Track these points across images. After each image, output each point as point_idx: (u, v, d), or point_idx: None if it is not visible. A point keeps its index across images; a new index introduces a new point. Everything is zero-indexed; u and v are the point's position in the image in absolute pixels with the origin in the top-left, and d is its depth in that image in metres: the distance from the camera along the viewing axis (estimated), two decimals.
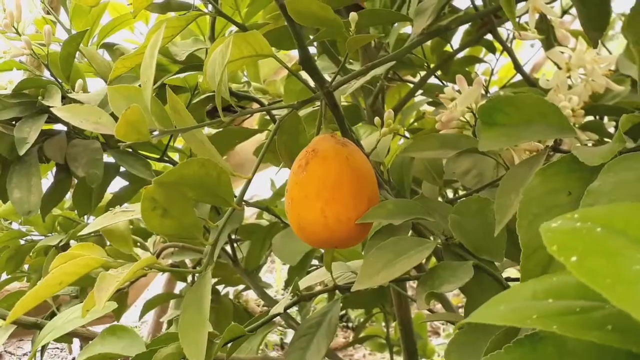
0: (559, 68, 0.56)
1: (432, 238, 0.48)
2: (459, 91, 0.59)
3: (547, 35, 0.66)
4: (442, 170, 0.55)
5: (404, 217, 0.45)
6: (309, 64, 0.46)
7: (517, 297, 0.24)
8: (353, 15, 0.45)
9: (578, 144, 0.51)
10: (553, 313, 0.22)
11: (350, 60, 0.85)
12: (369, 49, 0.81)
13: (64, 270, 0.43)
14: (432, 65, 0.86)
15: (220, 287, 1.22)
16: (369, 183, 0.47)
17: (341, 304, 0.57)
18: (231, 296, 1.30)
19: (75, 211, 0.94)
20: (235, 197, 0.48)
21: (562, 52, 0.57)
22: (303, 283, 0.58)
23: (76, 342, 1.58)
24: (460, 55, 0.94)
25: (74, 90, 0.80)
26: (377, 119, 0.54)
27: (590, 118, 0.71)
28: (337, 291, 0.58)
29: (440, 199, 0.62)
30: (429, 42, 0.85)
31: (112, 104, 0.44)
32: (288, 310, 0.59)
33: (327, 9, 0.43)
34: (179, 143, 1.11)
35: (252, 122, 1.25)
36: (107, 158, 0.88)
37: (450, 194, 0.82)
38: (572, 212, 0.21)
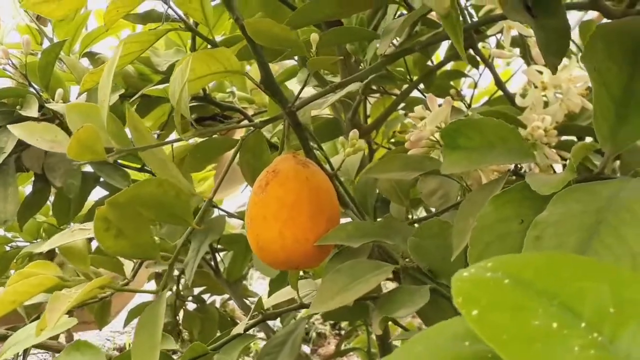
0: (535, 87, 0.56)
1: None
2: (429, 110, 0.59)
3: (524, 53, 0.65)
4: (408, 190, 0.54)
5: (362, 239, 0.45)
6: (269, 82, 0.45)
7: (439, 337, 0.23)
8: (314, 37, 0.44)
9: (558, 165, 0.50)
10: (466, 356, 0.21)
11: (330, 74, 0.85)
12: (350, 64, 0.81)
13: (17, 289, 0.42)
14: (415, 78, 0.85)
15: (206, 296, 1.21)
16: (329, 204, 0.47)
17: (322, 318, 0.57)
18: (218, 304, 1.29)
19: None
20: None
21: (540, 72, 0.56)
22: (270, 301, 0.58)
23: None
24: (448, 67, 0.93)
25: (53, 100, 0.80)
26: (341, 139, 0.53)
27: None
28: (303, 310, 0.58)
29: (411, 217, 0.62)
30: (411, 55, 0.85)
31: (69, 120, 0.43)
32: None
33: (287, 30, 0.42)
34: None
35: (242, 131, 1.25)
36: (88, 167, 0.88)
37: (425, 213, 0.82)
38: (487, 260, 0.21)
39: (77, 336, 1.53)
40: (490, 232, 0.37)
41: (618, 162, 0.48)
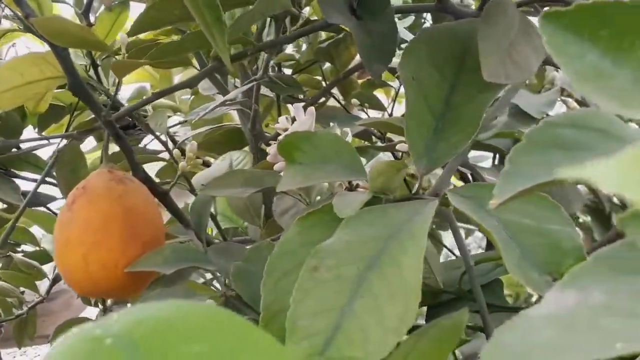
0: None
1: None
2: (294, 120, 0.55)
3: None
4: (260, 209, 0.50)
5: (180, 264, 0.40)
6: (79, 90, 0.41)
7: None
8: (122, 38, 0.40)
9: None
10: None
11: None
12: (246, 72, 0.77)
13: None
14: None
15: None
16: (148, 226, 0.42)
17: None
18: None
19: None
20: None
21: None
22: None
23: None
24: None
25: None
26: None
27: None
28: None
29: None
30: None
31: None
32: None
33: (85, 30, 0.38)
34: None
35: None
36: None
37: None
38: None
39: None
40: (292, 259, 0.33)
41: None
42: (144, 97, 1.11)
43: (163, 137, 0.58)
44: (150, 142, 0.90)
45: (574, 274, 0.16)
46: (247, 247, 0.49)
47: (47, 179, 0.59)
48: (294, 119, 0.55)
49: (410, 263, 0.27)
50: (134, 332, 0.15)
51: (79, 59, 0.88)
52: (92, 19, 0.62)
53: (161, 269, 0.40)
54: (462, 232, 0.63)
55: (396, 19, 0.58)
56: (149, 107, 1.10)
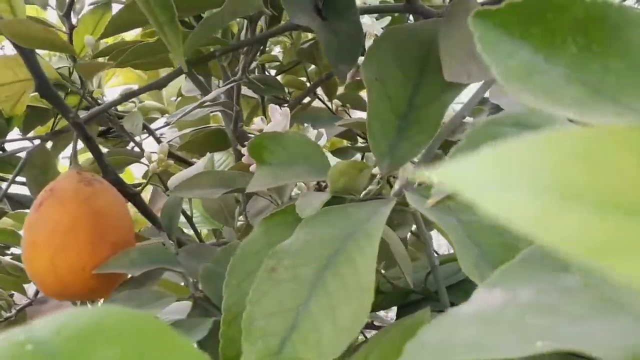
0: None
1: None
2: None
3: None
4: (234, 210, 0.50)
5: (148, 266, 0.40)
6: (45, 90, 0.40)
7: None
8: (87, 40, 0.40)
9: None
10: None
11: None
12: (226, 73, 0.77)
13: None
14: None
15: None
16: (118, 227, 0.42)
17: None
18: None
19: None
20: None
21: None
22: None
23: None
24: None
25: None
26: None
27: None
28: None
29: None
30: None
31: None
32: None
33: (49, 32, 0.38)
34: None
35: None
36: None
37: None
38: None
39: None
40: (255, 261, 0.33)
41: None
42: (130, 101, 1.10)
43: (138, 139, 0.58)
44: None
45: (502, 273, 0.16)
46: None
47: None
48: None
49: (365, 263, 0.27)
50: (54, 339, 0.15)
51: (62, 61, 0.88)
52: (74, 20, 0.62)
53: (129, 271, 0.40)
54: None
55: (374, 19, 0.58)
56: (135, 109, 1.10)
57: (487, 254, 0.28)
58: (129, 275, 0.42)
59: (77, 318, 0.16)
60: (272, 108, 0.55)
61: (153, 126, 0.98)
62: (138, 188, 0.47)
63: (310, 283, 0.27)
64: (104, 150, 0.67)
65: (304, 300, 0.27)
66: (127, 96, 0.42)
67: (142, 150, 0.51)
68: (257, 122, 0.55)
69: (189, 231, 0.69)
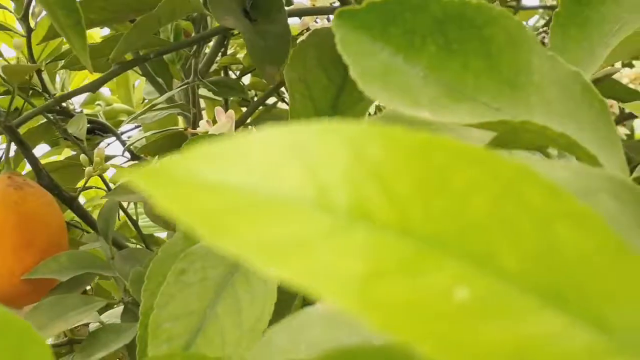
0: None
1: None
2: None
3: None
4: None
5: (76, 271, 0.40)
6: None
7: None
8: (17, 43, 0.39)
9: None
10: None
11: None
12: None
13: None
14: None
15: None
16: (48, 232, 0.41)
17: None
18: None
19: None
20: None
21: None
22: None
23: None
24: None
25: None
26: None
27: None
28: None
29: None
30: None
31: None
32: None
33: None
34: None
35: None
36: None
37: None
38: None
39: None
40: (173, 263, 0.33)
41: None
42: (96, 103, 1.09)
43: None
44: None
45: None
46: None
47: None
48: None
49: None
50: None
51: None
52: (33, 23, 0.61)
53: (57, 276, 0.40)
54: None
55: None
56: (100, 112, 1.09)
57: None
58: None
59: None
60: (218, 110, 0.55)
61: (122, 129, 0.97)
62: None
63: (218, 285, 0.27)
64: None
65: (211, 303, 0.27)
66: (59, 100, 0.41)
67: (85, 152, 0.50)
68: (202, 125, 0.55)
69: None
